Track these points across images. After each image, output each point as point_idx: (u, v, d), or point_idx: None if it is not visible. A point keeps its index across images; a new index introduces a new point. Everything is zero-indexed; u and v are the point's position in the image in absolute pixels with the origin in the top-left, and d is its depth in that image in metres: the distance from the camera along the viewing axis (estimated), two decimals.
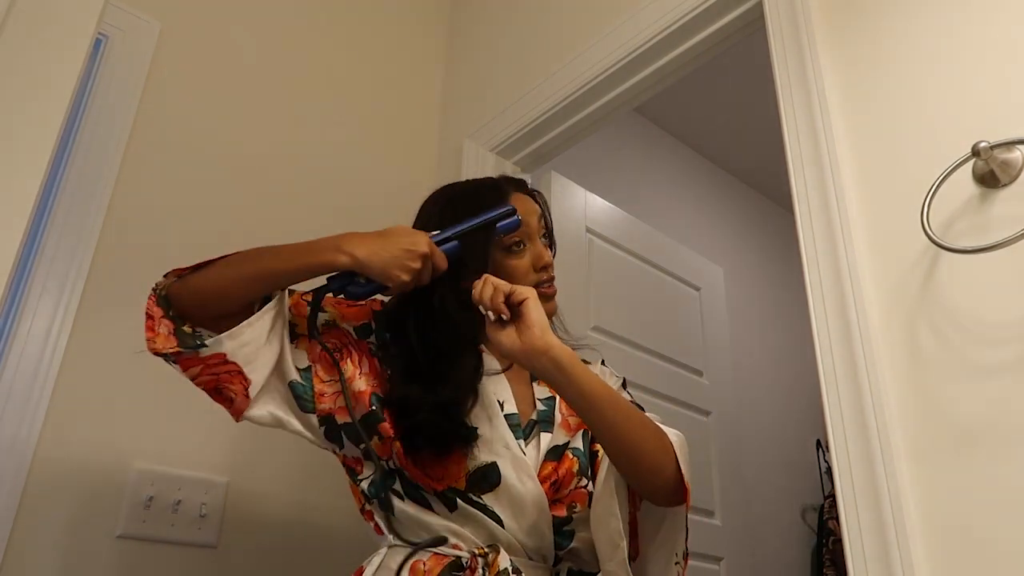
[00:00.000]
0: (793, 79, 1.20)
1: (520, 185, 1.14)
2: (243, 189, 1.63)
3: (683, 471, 0.93)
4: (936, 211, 0.97)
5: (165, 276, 0.97)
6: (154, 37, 1.58)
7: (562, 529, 0.96)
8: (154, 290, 0.96)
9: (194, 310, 0.94)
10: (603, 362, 1.14)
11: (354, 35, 1.99)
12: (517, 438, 0.97)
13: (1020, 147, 0.93)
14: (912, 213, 0.99)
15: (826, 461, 2.87)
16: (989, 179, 0.96)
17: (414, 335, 1.00)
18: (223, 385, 0.94)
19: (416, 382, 0.96)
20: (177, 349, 0.91)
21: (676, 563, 0.96)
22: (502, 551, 0.90)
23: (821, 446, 2.93)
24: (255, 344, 0.94)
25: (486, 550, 0.90)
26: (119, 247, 1.42)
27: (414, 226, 1.12)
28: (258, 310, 0.95)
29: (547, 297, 1.06)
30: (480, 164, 1.79)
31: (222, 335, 0.92)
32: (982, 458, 0.88)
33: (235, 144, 1.65)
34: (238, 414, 0.96)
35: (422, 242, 0.96)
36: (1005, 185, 0.94)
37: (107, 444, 1.31)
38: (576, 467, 0.99)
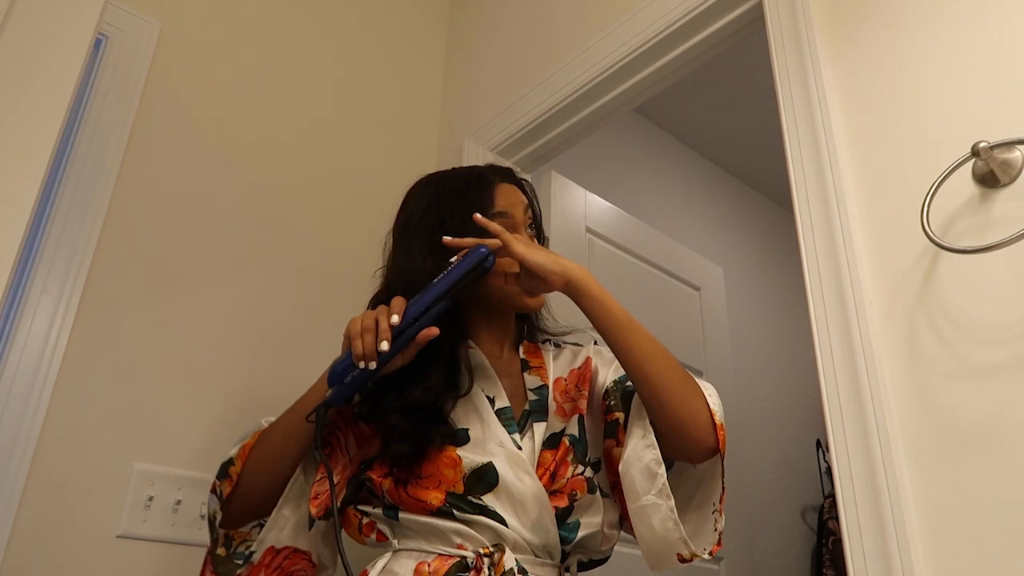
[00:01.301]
0: (793, 79, 1.20)
1: (506, 175, 1.11)
2: (243, 189, 1.63)
3: (715, 413, 0.93)
4: (936, 211, 0.97)
5: (213, 530, 0.98)
6: (154, 37, 1.58)
7: (565, 521, 0.95)
8: (209, 552, 0.98)
9: (251, 519, 0.97)
10: (596, 342, 1.13)
11: (354, 35, 1.99)
12: (511, 432, 0.97)
13: (1020, 147, 0.93)
14: (912, 213, 0.99)
15: (826, 461, 2.87)
16: (989, 179, 0.96)
17: None
18: (292, 571, 0.95)
19: (392, 388, 0.95)
20: None
21: (714, 512, 0.95)
22: (507, 550, 0.89)
23: (821, 446, 2.93)
24: (293, 518, 0.95)
25: (491, 549, 0.89)
26: (119, 247, 1.42)
27: (398, 214, 1.11)
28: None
29: (534, 292, 1.04)
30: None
31: (261, 535, 0.94)
32: (982, 458, 0.88)
33: (235, 144, 1.65)
34: None
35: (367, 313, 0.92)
36: (1005, 185, 0.94)
37: (107, 444, 1.31)
38: (572, 455, 0.98)
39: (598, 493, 0.98)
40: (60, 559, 1.22)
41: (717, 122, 2.99)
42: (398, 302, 0.91)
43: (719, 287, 2.52)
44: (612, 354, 1.09)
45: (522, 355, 1.09)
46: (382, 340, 0.88)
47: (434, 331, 0.91)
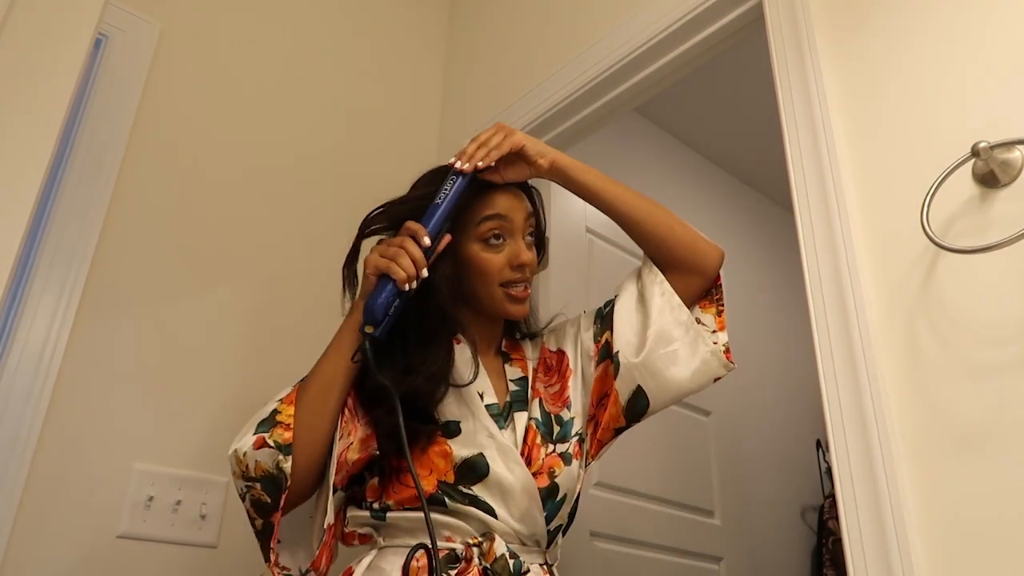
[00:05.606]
0: (793, 79, 1.20)
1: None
2: (242, 189, 1.63)
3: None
4: (936, 211, 0.97)
5: (278, 487, 0.89)
6: (154, 37, 1.58)
7: (554, 500, 0.97)
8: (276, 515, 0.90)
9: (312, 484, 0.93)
10: (585, 312, 1.16)
11: (354, 36, 1.99)
12: (501, 428, 0.99)
13: (1020, 147, 0.93)
14: (912, 213, 0.99)
15: (826, 461, 2.87)
16: (989, 179, 0.96)
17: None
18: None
19: (392, 369, 0.95)
20: None
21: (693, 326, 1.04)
22: (497, 538, 0.91)
23: (821, 446, 2.93)
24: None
25: (480, 539, 0.91)
26: (119, 247, 1.42)
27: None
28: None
29: (518, 300, 1.04)
30: None
31: (323, 518, 0.90)
32: (982, 458, 0.88)
33: (235, 144, 1.65)
34: None
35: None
36: (1005, 185, 0.94)
37: (107, 444, 1.31)
38: (539, 437, 1.00)
39: (573, 463, 1.01)
40: (60, 559, 1.22)
41: (717, 122, 2.99)
42: (417, 227, 0.95)
43: None
44: (572, 324, 1.15)
45: (503, 349, 1.12)
46: (421, 268, 0.93)
47: (449, 237, 0.99)
